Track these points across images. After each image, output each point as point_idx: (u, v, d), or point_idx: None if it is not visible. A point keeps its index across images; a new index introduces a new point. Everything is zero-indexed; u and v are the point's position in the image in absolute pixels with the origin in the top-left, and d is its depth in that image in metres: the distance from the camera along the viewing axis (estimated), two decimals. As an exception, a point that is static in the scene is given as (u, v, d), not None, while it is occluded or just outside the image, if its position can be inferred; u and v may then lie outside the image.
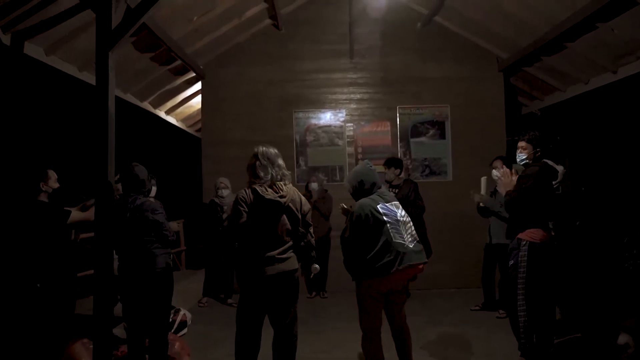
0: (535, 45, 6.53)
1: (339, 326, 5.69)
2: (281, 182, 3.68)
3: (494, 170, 6.06)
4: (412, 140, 7.86)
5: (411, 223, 3.90)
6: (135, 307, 3.99)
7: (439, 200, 7.38)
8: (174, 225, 4.40)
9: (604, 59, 6.37)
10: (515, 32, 6.87)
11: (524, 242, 4.24)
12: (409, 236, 3.77)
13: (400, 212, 3.86)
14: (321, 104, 7.94)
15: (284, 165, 3.78)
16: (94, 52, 4.06)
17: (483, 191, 5.98)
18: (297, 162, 7.80)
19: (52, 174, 4.43)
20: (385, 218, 3.73)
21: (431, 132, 7.88)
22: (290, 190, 3.70)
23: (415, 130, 7.88)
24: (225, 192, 6.65)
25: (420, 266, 3.76)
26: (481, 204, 6.05)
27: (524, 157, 4.45)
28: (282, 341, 3.75)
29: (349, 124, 7.92)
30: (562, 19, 5.75)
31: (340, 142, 7.89)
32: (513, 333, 4.37)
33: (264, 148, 3.74)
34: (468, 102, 7.85)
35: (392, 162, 6.61)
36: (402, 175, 6.76)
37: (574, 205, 8.54)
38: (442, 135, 7.87)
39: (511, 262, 4.34)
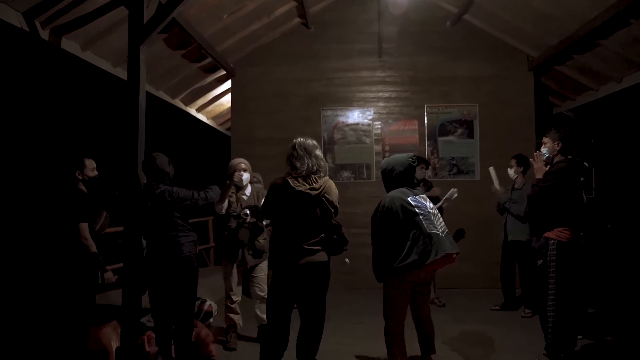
0: (566, 43, 6.44)
1: (363, 321, 5.72)
2: (316, 175, 3.70)
3: (509, 169, 6.12)
4: (439, 139, 7.84)
5: (440, 215, 3.92)
6: (162, 293, 4.10)
7: (466, 199, 7.29)
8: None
9: (638, 56, 6.24)
10: (545, 30, 6.79)
11: (552, 241, 4.18)
12: (440, 227, 3.79)
13: (429, 205, 3.88)
14: (349, 102, 7.99)
15: (322, 157, 3.80)
16: (126, 48, 4.20)
17: (495, 183, 6.10)
18: (325, 159, 7.82)
19: (90, 163, 4.50)
20: (417, 210, 3.74)
21: (459, 131, 7.85)
22: (324, 183, 3.70)
23: (443, 129, 7.86)
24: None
25: (454, 256, 3.76)
26: (498, 200, 6.13)
27: (545, 152, 4.42)
28: (308, 331, 3.81)
29: (377, 122, 7.95)
30: (593, 16, 5.66)
31: (367, 140, 7.92)
32: (543, 332, 4.33)
33: (302, 139, 3.78)
34: (497, 102, 7.80)
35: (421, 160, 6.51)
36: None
37: (606, 207, 8.41)
38: (471, 135, 7.83)
39: (539, 262, 4.29)
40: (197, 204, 4.14)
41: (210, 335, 4.74)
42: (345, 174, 7.85)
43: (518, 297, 6.25)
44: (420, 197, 3.90)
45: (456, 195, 5.89)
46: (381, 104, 7.98)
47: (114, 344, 4.30)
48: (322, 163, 3.77)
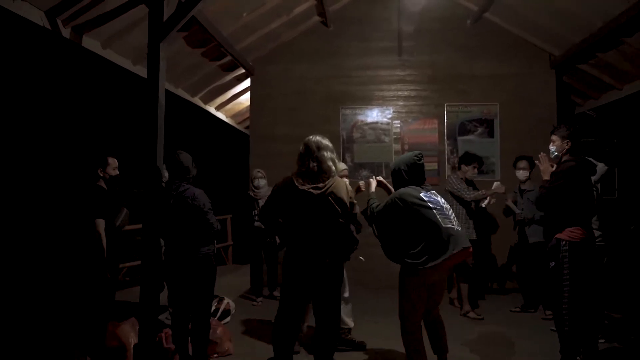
0: (590, 41, 6.32)
1: (378, 320, 5.67)
2: (324, 174, 3.61)
3: (519, 171, 6.06)
4: (459, 138, 7.76)
5: (452, 210, 3.90)
6: (180, 291, 4.11)
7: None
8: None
9: (663, 54, 6.12)
10: (568, 27, 6.68)
11: (564, 242, 4.08)
12: (455, 220, 3.76)
13: (441, 200, 3.85)
14: (368, 101, 7.95)
15: (330, 157, 3.66)
16: (146, 46, 4.21)
17: (516, 210, 6.08)
18: (343, 158, 7.82)
19: (113, 161, 4.54)
20: (430, 204, 3.71)
21: (479, 130, 7.76)
22: (332, 182, 3.61)
23: (463, 128, 7.78)
24: (261, 182, 6.61)
25: (470, 249, 3.70)
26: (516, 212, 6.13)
27: (553, 150, 4.32)
28: (323, 333, 3.77)
29: (396, 121, 7.90)
30: (618, 13, 5.55)
31: (386, 139, 7.88)
32: (558, 334, 4.26)
33: (311, 137, 3.72)
34: (518, 100, 7.69)
35: (474, 158, 6.19)
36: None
37: (629, 208, 8.27)
38: (491, 134, 7.74)
39: (552, 264, 4.18)
40: (206, 220, 4.07)
41: (228, 332, 4.75)
42: (364, 172, 7.79)
43: (537, 298, 6.16)
44: (431, 192, 3.87)
45: (503, 188, 5.84)
46: (400, 102, 7.92)
47: (132, 340, 4.32)
48: (326, 165, 3.62)
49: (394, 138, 7.86)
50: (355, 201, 3.76)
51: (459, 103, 7.80)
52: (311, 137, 3.73)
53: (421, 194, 3.76)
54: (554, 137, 4.33)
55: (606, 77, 7.42)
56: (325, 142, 3.72)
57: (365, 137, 7.89)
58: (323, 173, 3.61)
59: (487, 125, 7.75)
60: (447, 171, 7.67)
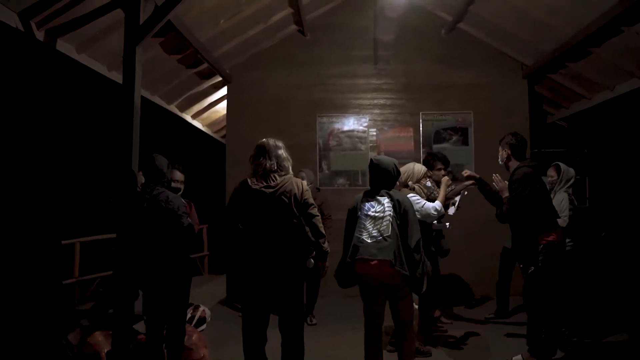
0: (560, 51, 6.47)
1: (359, 327, 5.65)
2: (275, 173, 3.65)
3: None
4: (434, 146, 7.82)
5: (387, 219, 3.68)
6: (155, 296, 4.05)
7: (461, 207, 7.29)
8: None
9: (630, 64, 6.27)
10: (540, 37, 6.82)
11: (541, 246, 4.17)
12: (374, 231, 3.66)
13: (376, 208, 3.74)
14: (345, 109, 7.99)
15: (285, 157, 3.75)
16: (122, 52, 4.19)
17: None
18: (320, 166, 7.84)
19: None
20: (358, 212, 3.80)
21: (454, 138, 7.86)
22: (284, 181, 3.64)
23: (438, 137, 7.87)
24: None
25: (373, 262, 3.60)
26: None
27: (500, 160, 4.58)
28: (284, 343, 3.74)
29: (372, 129, 7.95)
30: (587, 23, 5.70)
31: (363, 147, 7.92)
32: (530, 334, 4.33)
33: (265, 139, 3.78)
34: (492, 109, 7.80)
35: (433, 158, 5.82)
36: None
37: (600, 216, 8.44)
38: (465, 142, 7.84)
39: (531, 269, 4.24)
40: (180, 224, 3.99)
41: (203, 339, 4.70)
42: (340, 180, 7.83)
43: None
44: (375, 199, 3.78)
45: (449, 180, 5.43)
46: (376, 110, 7.98)
47: (105, 348, 4.25)
48: (285, 163, 3.74)
49: (370, 146, 7.91)
50: (311, 202, 3.71)
51: (434, 111, 7.89)
52: (264, 139, 3.79)
53: (360, 200, 3.85)
54: (499, 148, 4.59)
55: (576, 86, 7.60)
56: (277, 143, 3.78)
57: (341, 145, 7.93)
58: (279, 171, 3.67)
59: (461, 133, 7.86)
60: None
